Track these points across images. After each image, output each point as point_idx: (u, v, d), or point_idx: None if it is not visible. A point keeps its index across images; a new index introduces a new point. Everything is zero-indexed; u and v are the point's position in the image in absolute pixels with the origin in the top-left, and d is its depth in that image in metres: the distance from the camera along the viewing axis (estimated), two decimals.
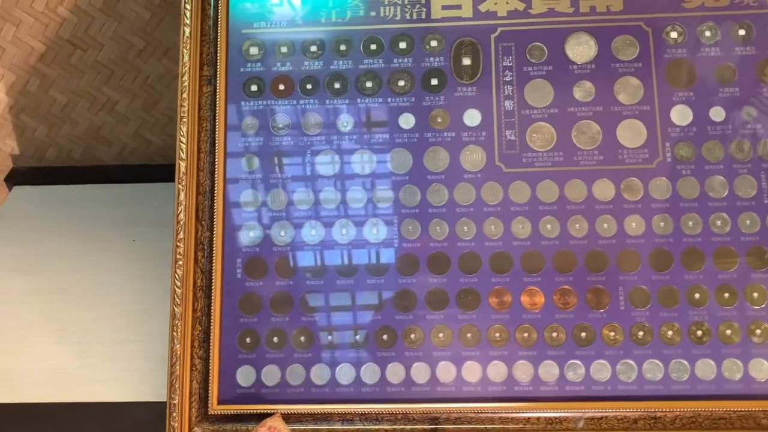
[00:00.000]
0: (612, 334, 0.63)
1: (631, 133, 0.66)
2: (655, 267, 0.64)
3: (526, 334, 0.64)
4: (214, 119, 0.67)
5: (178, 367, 0.63)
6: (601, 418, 0.61)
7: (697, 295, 0.63)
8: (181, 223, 0.65)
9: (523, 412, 0.62)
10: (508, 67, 0.68)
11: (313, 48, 0.69)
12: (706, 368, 0.62)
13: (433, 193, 0.66)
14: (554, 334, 0.63)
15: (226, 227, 0.66)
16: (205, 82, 0.68)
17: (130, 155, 1.01)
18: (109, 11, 0.89)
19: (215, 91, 0.68)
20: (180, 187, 0.66)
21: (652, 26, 0.67)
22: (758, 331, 0.62)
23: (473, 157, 0.67)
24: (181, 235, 0.65)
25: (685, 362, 0.62)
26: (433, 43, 0.68)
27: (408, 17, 0.69)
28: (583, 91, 0.67)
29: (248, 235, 0.66)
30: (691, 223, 0.64)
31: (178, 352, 0.63)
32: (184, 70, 0.67)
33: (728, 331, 0.62)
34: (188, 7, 0.68)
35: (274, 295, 0.65)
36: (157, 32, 0.91)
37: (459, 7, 0.69)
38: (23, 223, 0.93)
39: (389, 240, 0.66)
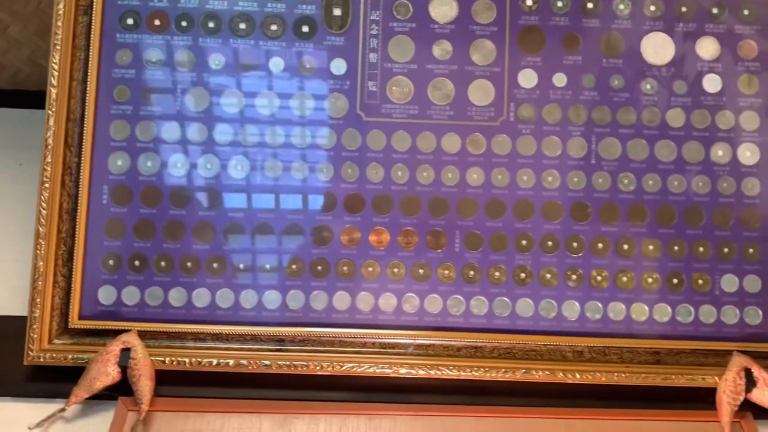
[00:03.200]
0: (446, 272, 0.70)
1: (480, 93, 0.72)
2: (490, 215, 0.71)
3: (370, 269, 0.70)
4: (88, 49, 0.70)
5: (40, 282, 0.67)
6: (429, 345, 0.68)
7: (524, 242, 0.70)
8: (50, 147, 0.68)
9: (361, 338, 0.68)
10: (375, 21, 0.72)
11: None
12: (525, 306, 0.70)
13: (298, 136, 0.71)
14: (395, 270, 0.70)
15: (95, 155, 0.69)
16: (81, 12, 0.70)
17: (25, 80, 1.01)
18: None
19: (91, 22, 0.70)
20: (50, 113, 0.68)
21: None
22: (574, 277, 0.70)
23: (337, 104, 0.71)
24: (48, 159, 0.68)
25: (508, 300, 0.70)
26: None
27: None
28: (442, 49, 0.72)
29: (116, 164, 0.70)
30: (525, 177, 0.71)
31: (41, 270, 0.67)
32: None
33: (548, 275, 0.70)
34: None
35: (138, 222, 0.69)
36: None
37: None
38: None
39: (251, 176, 0.70)
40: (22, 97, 1.00)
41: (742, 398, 0.66)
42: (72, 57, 0.69)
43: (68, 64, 0.69)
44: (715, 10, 0.73)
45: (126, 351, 0.64)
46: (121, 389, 0.64)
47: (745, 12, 0.73)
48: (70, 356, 0.66)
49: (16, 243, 0.81)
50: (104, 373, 0.64)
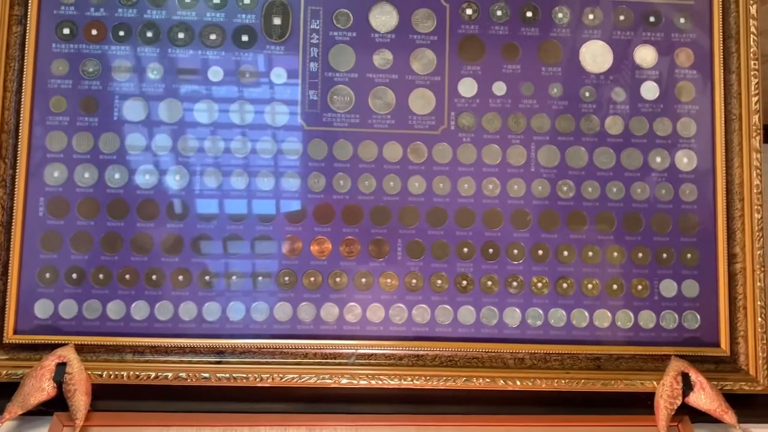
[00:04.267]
0: (389, 281, 0.70)
1: (421, 102, 0.72)
2: (431, 223, 0.71)
3: (312, 279, 0.70)
4: (23, 59, 0.69)
5: None
6: (371, 355, 0.68)
7: (465, 250, 0.71)
8: None
9: (303, 348, 0.68)
10: (315, 30, 0.72)
11: None
12: (467, 314, 0.70)
13: (238, 145, 0.70)
14: (338, 279, 0.70)
15: (31, 166, 0.68)
16: (15, 22, 0.69)
17: None
18: None
19: (25, 31, 0.69)
20: None
21: (450, 2, 0.72)
22: (514, 284, 0.71)
23: (277, 114, 0.71)
24: None
25: (450, 308, 0.70)
26: (246, 0, 0.71)
27: None
28: (382, 58, 0.72)
29: (52, 175, 0.69)
30: (466, 185, 0.71)
31: None
32: None
33: (489, 283, 0.71)
34: None
35: (75, 234, 0.68)
36: None
37: None
38: None
39: (190, 186, 0.69)
40: None
41: (679, 402, 0.66)
42: (6, 67, 0.68)
43: (2, 74, 0.68)
44: (652, 19, 0.74)
45: (62, 366, 0.63)
46: (57, 405, 0.63)
47: (682, 20, 0.74)
48: (4, 372, 0.65)
49: None
50: (39, 388, 0.63)
